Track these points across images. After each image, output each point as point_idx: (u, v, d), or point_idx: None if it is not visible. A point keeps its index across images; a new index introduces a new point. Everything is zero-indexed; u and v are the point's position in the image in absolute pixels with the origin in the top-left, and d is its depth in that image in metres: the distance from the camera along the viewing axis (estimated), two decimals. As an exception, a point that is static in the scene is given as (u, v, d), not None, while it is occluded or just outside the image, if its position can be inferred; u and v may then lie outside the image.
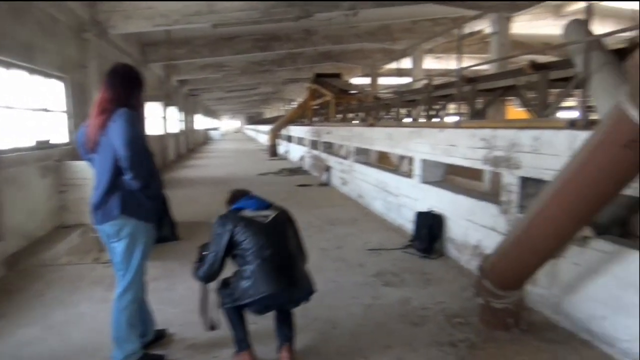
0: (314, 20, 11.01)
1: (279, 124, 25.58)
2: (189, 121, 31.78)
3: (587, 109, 4.16)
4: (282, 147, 25.24)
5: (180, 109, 26.16)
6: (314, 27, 14.73)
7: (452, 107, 8.71)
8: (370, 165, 10.34)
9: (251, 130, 59.31)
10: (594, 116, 4.46)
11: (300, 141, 20.28)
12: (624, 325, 3.48)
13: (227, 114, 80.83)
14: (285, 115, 27.12)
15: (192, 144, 33.30)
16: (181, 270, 5.42)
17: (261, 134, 39.99)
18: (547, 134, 4.20)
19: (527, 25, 12.83)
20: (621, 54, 4.30)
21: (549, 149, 4.15)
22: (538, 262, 3.61)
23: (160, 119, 19.66)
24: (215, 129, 61.28)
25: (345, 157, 12.09)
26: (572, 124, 4.16)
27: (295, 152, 21.00)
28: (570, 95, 5.76)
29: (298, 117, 23.59)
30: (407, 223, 7.15)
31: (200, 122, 44.25)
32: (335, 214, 9.19)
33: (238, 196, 3.54)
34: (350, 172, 11.25)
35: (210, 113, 58.09)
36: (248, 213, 3.29)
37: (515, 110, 15.50)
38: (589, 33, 4.44)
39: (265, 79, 25.80)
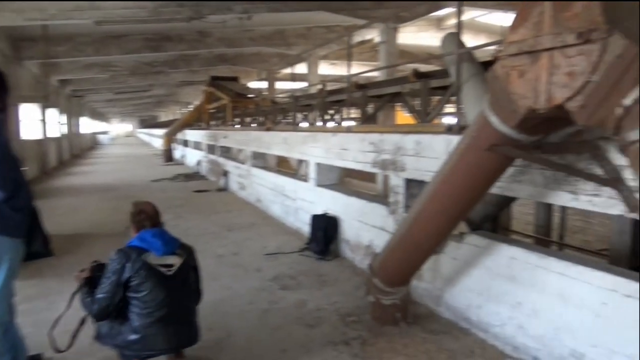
0: (207, 22, 10.76)
1: (174, 128, 24.59)
2: (73, 124, 29.34)
3: (461, 115, 4.54)
4: (178, 151, 24.30)
5: (62, 111, 24.03)
6: (208, 29, 14.41)
7: (349, 111, 9.03)
8: (267, 170, 10.34)
9: (145, 135, 56.34)
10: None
11: (197, 145, 19.68)
12: (495, 312, 3.84)
13: (117, 117, 75.93)
14: (181, 119, 26.16)
15: (77, 149, 30.80)
16: (61, 287, 4.96)
17: (156, 139, 38.14)
18: (427, 139, 4.50)
19: (412, 36, 13.72)
20: (487, 66, 4.76)
21: (429, 152, 4.45)
22: (421, 258, 3.86)
23: (37, 122, 17.89)
24: (104, 132, 57.23)
25: (243, 162, 11.96)
26: (449, 129, 4.51)
27: (192, 157, 20.33)
28: (449, 103, 6.23)
29: (194, 121, 22.88)
30: (305, 226, 7.25)
31: (87, 125, 41.04)
32: (233, 219, 9.05)
33: (144, 220, 3.13)
34: (248, 176, 11.16)
35: (98, 116, 54.17)
36: (152, 259, 2.95)
37: (404, 116, 16.46)
38: (462, 45, 4.85)
39: (158, 80, 24.67)
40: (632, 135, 1.86)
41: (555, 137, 2.87)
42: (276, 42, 15.47)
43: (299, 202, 7.88)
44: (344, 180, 14.72)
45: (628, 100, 1.86)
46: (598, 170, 2.84)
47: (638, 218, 2.74)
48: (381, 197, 5.78)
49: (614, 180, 2.66)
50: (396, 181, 5.03)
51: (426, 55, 14.12)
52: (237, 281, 5.44)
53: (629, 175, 2.56)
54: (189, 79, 23.71)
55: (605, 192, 2.89)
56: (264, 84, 22.19)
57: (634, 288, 2.81)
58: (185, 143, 22.67)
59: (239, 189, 12.03)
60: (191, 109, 27.05)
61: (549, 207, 6.78)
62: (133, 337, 2.89)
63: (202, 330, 3.27)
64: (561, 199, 3.23)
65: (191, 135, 21.19)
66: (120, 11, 8.62)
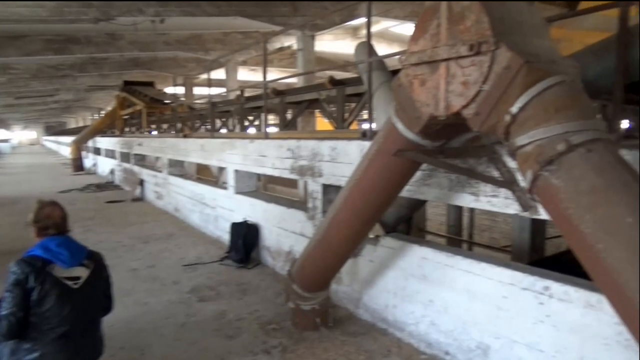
0: (117, 24, 10.23)
1: (83, 135, 23.10)
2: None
3: (374, 121, 4.68)
4: (89, 160, 22.85)
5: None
6: (119, 32, 13.71)
7: (268, 118, 8.99)
8: (186, 178, 10.02)
9: (52, 142, 52.37)
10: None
11: (109, 153, 18.62)
12: (409, 311, 3.98)
13: (19, 124, 69.92)
14: (92, 125, 24.64)
15: (-30, 159, 27.92)
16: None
17: (64, 147, 35.58)
18: (342, 144, 4.59)
19: (330, 44, 14.00)
20: (396, 74, 4.95)
21: (345, 158, 4.54)
22: (338, 262, 3.91)
23: None
24: (4, 140, 52.45)
25: (159, 170, 11.49)
26: (363, 135, 4.63)
27: (104, 166, 19.21)
28: (364, 109, 6.41)
29: (107, 128, 21.64)
30: (225, 234, 7.10)
31: (-17, 133, 37.36)
32: (150, 230, 8.65)
33: (49, 226, 2.85)
34: (165, 185, 10.73)
35: (-4, 123, 49.57)
36: (58, 272, 2.66)
37: (324, 122, 16.73)
38: (374, 54, 5.01)
39: (65, 84, 23.06)
40: (519, 141, 2.01)
41: (456, 142, 3.04)
42: (193, 47, 15.07)
43: (219, 210, 7.71)
44: (268, 186, 14.73)
45: (514, 108, 2.01)
46: (495, 173, 3.04)
47: (530, 216, 2.96)
48: (300, 203, 5.80)
49: (509, 182, 2.87)
50: (314, 187, 5.07)
51: (343, 63, 14.45)
52: (153, 295, 5.19)
53: (520, 177, 2.77)
54: (100, 83, 22.40)
55: (502, 193, 3.11)
56: (181, 90, 21.53)
57: (529, 281, 3.04)
58: (97, 151, 21.38)
59: (156, 198, 11.54)
60: (103, 115, 25.57)
61: (459, 208, 7.17)
62: (31, 356, 2.64)
63: (113, 350, 3.08)
64: (464, 200, 3.43)
65: (103, 142, 20.03)
66: (16, 9, 7.93)
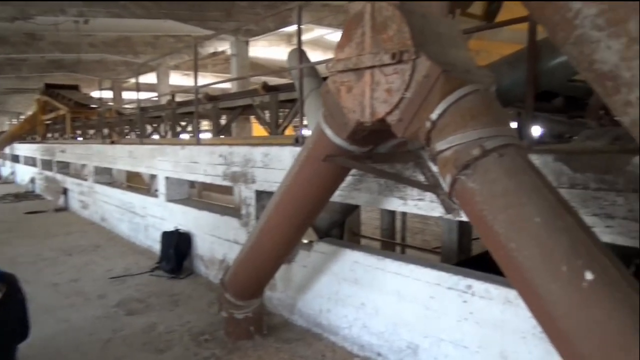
0: (36, 23, 9.60)
1: (0, 142, 21.44)
2: None
3: (305, 127, 4.72)
4: (6, 168, 21.24)
5: None
6: (39, 32, 12.89)
7: (201, 124, 8.78)
8: (113, 186, 9.57)
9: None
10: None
11: (29, 161, 17.39)
12: (342, 315, 4.02)
13: None
14: (9, 131, 22.93)
15: None
16: None
17: (-23, 154, 32.79)
18: (274, 150, 4.58)
19: (264, 50, 13.96)
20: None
21: (277, 164, 4.53)
22: (271, 268, 3.88)
23: None
24: None
25: (85, 178, 10.89)
26: (296, 141, 4.64)
27: (23, 174, 17.91)
28: (297, 115, 6.45)
29: (26, 133, 20.22)
30: (156, 244, 6.84)
31: None
32: (74, 242, 8.17)
33: None
34: (91, 193, 10.19)
35: None
36: None
37: (260, 128, 16.62)
38: (306, 61, 5.05)
39: (-22, 87, 21.35)
40: (439, 146, 2.10)
41: (384, 148, 3.12)
42: (121, 50, 14.47)
43: (149, 219, 7.42)
44: (203, 194, 14.37)
45: (434, 115, 2.10)
46: (421, 178, 3.16)
47: (453, 218, 3.10)
48: (233, 210, 5.72)
49: (433, 186, 2.98)
50: (247, 193, 5.02)
51: (276, 69, 14.45)
52: (76, 311, 4.90)
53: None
54: (19, 86, 20.93)
55: (428, 197, 3.23)
56: (109, 94, 20.57)
57: (453, 281, 3.17)
58: (15, 158, 19.91)
59: (81, 207, 10.93)
60: (22, 120, 23.88)
61: (392, 212, 7.37)
62: None
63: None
64: (393, 204, 3.53)
65: (22, 149, 18.68)
66: None
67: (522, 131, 2.90)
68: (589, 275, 1.63)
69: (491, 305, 2.96)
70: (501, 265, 1.94)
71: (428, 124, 2.12)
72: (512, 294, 2.82)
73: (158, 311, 4.90)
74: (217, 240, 5.64)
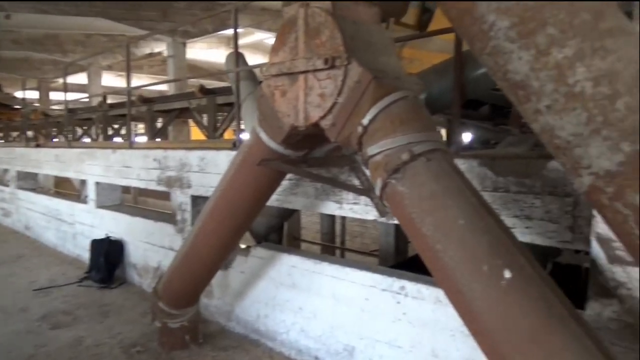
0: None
1: None
2: None
3: (243, 131, 4.67)
4: None
5: None
6: (-46, 26, 11.93)
7: (136, 126, 8.46)
8: (38, 192, 9.00)
9: None
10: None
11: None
12: (280, 320, 4.00)
13: None
14: None
15: None
16: None
17: None
18: (211, 155, 4.49)
19: (203, 52, 13.70)
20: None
21: (214, 168, 4.45)
22: (207, 275, 3.79)
23: None
24: None
25: (6, 184, 10.16)
26: (234, 145, 4.58)
27: None
28: (235, 119, 6.37)
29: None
30: (85, 253, 6.50)
31: None
32: (-8, 253, 7.59)
33: None
34: (14, 200, 9.52)
35: None
36: None
37: (199, 131, 16.25)
38: (244, 64, 5.01)
39: None
40: (370, 151, 2.14)
41: (319, 152, 3.15)
42: (49, 48, 13.65)
43: (78, 227, 7.04)
44: (139, 199, 13.81)
45: (365, 120, 2.14)
46: (356, 182, 3.21)
47: (387, 221, 3.17)
48: (168, 216, 5.55)
49: (367, 189, 3.03)
50: (182, 198, 4.88)
51: (213, 72, 14.21)
52: (-7, 327, 4.55)
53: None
54: None
55: (363, 201, 3.29)
56: (34, 94, 19.34)
57: (388, 282, 3.25)
58: None
59: (2, 215, 10.18)
60: None
61: (332, 216, 7.43)
62: None
63: None
64: (329, 208, 3.56)
65: None
66: None
67: (451, 137, 3.03)
68: (507, 274, 1.73)
69: (423, 305, 3.06)
70: (429, 266, 2.00)
71: (360, 129, 2.16)
72: (442, 293, 2.91)
73: (86, 323, 4.65)
74: (152, 247, 5.44)
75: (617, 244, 1.87)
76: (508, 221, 2.59)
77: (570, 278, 3.46)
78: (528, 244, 2.54)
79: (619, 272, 2.05)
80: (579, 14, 1.31)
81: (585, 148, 1.33)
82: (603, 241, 2.08)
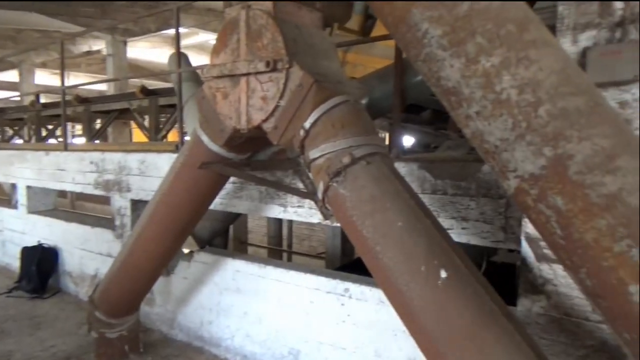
0: None
1: None
2: None
3: (186, 134, 4.56)
4: None
5: None
6: None
7: (73, 128, 8.05)
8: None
9: None
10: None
11: None
12: (225, 326, 3.94)
13: None
14: None
15: None
16: None
17: None
18: (151, 157, 4.36)
19: (146, 51, 13.27)
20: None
21: (155, 172, 4.32)
22: (146, 282, 3.66)
23: None
24: None
25: None
26: (177, 147, 4.46)
27: None
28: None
29: None
30: (15, 261, 6.11)
31: None
32: None
33: None
34: None
35: None
36: None
37: (143, 134, 15.71)
38: (188, 65, 4.90)
39: None
40: (312, 154, 2.15)
41: (263, 155, 3.13)
42: (-26, 42, 12.73)
43: (7, 234, 6.62)
44: (76, 204, 13.15)
45: (307, 124, 2.15)
46: (300, 185, 3.21)
47: (331, 224, 3.20)
48: (107, 221, 5.33)
49: (311, 193, 3.05)
50: (121, 203, 4.70)
51: (156, 72, 13.81)
52: None
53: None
54: None
55: (307, 204, 3.30)
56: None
57: (332, 285, 3.27)
58: None
59: None
60: None
61: (279, 219, 7.41)
62: None
63: None
64: (274, 211, 3.54)
65: None
66: None
67: (392, 141, 3.10)
68: (443, 274, 1.78)
69: (366, 307, 3.10)
70: (369, 268, 2.04)
71: (302, 132, 2.17)
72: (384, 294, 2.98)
73: (15, 337, 4.38)
74: (89, 254, 5.20)
75: (544, 243, 1.98)
76: (446, 222, 2.68)
77: (506, 276, 3.63)
78: (464, 244, 2.64)
79: (546, 270, 2.17)
80: (505, 25, 1.38)
81: (511, 152, 1.40)
82: (531, 240, 2.20)
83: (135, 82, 11.61)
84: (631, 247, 1.27)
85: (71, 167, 5.31)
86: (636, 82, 1.88)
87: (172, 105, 6.08)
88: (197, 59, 10.86)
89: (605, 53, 1.91)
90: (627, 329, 1.33)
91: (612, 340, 2.01)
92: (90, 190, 5.11)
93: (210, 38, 13.97)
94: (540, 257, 2.18)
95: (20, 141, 10.17)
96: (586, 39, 1.98)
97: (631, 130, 1.60)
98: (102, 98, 7.37)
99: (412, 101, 3.48)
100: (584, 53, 1.98)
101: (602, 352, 2.06)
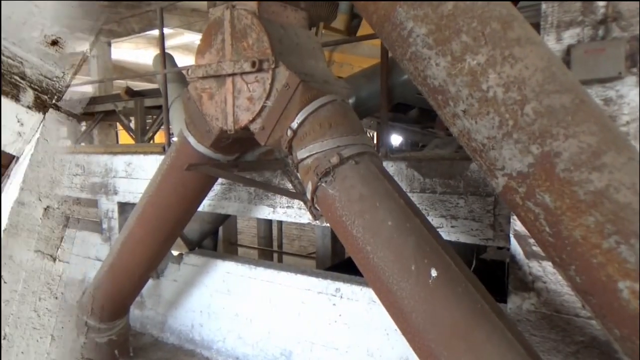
0: None
1: None
2: None
3: (172, 135, 4.51)
4: None
5: None
6: None
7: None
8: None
9: None
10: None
11: None
12: (216, 328, 3.91)
13: None
14: None
15: None
16: None
17: None
18: (138, 159, 4.31)
19: (131, 52, 13.11)
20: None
21: (142, 174, 4.27)
22: (135, 285, 3.63)
23: None
24: None
25: None
26: (164, 149, 4.41)
27: None
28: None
29: None
30: None
31: None
32: None
33: None
34: None
35: None
36: None
37: (127, 135, 15.54)
38: (174, 65, 4.85)
39: None
40: (300, 154, 2.14)
41: (251, 156, 3.11)
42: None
43: (-8, 240, 6.50)
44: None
45: (295, 124, 2.13)
46: (289, 185, 3.20)
47: (320, 224, 3.19)
48: (94, 224, 5.26)
49: (300, 193, 3.03)
50: (108, 205, 4.65)
51: (143, 73, 13.66)
52: None
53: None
54: None
55: (296, 204, 3.28)
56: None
57: (323, 285, 3.26)
58: None
59: None
60: None
61: (269, 219, 7.38)
62: None
63: None
64: (263, 212, 3.52)
65: None
66: None
67: (380, 140, 3.09)
68: (434, 272, 1.78)
69: (358, 306, 3.10)
70: (360, 267, 2.03)
71: (289, 133, 2.15)
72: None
73: (2, 344, 4.30)
74: (76, 258, 5.13)
75: (533, 241, 1.99)
76: (435, 221, 2.69)
77: (496, 273, 3.65)
78: (454, 242, 2.65)
79: (535, 267, 2.18)
80: (489, 23, 1.38)
81: (499, 150, 1.40)
82: (520, 238, 2.21)
83: (121, 83, 11.48)
84: (619, 244, 1.27)
85: (56, 170, 5.23)
86: (620, 79, 1.90)
87: (159, 107, 6.01)
88: (183, 60, 10.75)
89: (589, 50, 1.92)
90: (617, 325, 1.34)
91: (602, 336, 2.03)
92: (76, 193, 5.04)
93: (196, 39, 13.86)
94: (530, 255, 2.18)
95: None
96: (570, 36, 1.99)
97: (617, 127, 1.61)
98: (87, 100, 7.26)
99: (400, 100, 3.48)
100: (568, 51, 1.99)
101: (592, 348, 2.08)
